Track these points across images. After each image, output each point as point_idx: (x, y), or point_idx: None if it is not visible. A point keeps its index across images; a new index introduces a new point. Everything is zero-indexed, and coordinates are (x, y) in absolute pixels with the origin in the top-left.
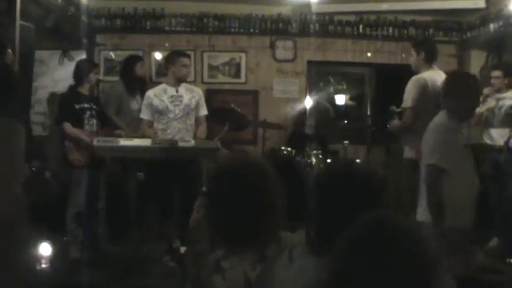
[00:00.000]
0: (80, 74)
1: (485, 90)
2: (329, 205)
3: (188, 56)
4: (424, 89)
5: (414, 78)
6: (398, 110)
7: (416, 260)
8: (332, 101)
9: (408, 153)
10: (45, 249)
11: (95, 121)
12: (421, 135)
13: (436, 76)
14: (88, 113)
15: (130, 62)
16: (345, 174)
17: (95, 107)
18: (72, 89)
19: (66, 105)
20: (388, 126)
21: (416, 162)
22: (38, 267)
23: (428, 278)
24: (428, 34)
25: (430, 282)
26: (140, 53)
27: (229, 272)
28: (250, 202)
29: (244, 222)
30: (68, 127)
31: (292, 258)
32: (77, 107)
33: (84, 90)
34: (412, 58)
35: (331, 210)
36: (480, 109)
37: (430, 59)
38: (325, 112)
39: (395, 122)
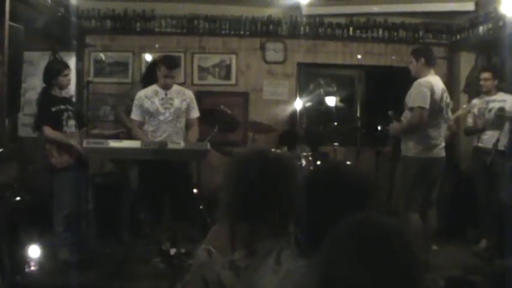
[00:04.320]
0: (48, 77)
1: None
2: (318, 207)
3: (171, 67)
4: (432, 91)
5: (421, 80)
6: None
7: (402, 261)
8: (322, 103)
9: (410, 151)
10: (34, 251)
11: (73, 122)
12: (424, 134)
13: (436, 80)
14: (65, 114)
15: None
16: (334, 176)
17: (70, 107)
18: (46, 92)
19: (42, 109)
20: (389, 130)
21: (417, 159)
22: (26, 270)
23: (414, 279)
24: (418, 36)
25: (415, 283)
26: (130, 55)
27: (244, 270)
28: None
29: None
30: (48, 130)
31: (280, 261)
32: (53, 109)
33: (57, 92)
34: (412, 65)
35: (320, 212)
36: (462, 111)
37: (429, 65)
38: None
39: (393, 125)
